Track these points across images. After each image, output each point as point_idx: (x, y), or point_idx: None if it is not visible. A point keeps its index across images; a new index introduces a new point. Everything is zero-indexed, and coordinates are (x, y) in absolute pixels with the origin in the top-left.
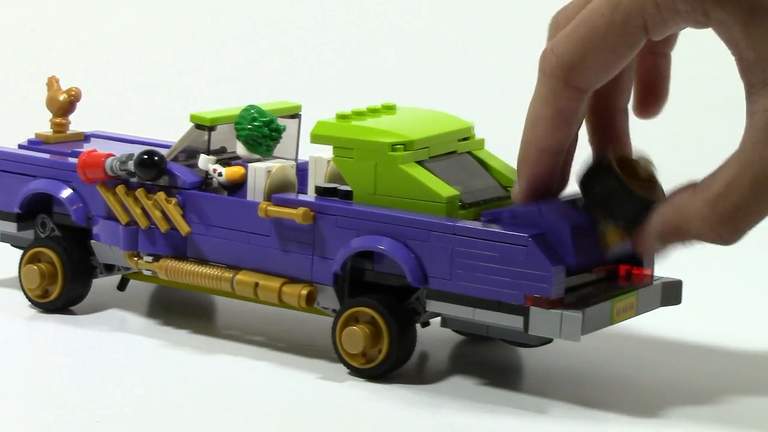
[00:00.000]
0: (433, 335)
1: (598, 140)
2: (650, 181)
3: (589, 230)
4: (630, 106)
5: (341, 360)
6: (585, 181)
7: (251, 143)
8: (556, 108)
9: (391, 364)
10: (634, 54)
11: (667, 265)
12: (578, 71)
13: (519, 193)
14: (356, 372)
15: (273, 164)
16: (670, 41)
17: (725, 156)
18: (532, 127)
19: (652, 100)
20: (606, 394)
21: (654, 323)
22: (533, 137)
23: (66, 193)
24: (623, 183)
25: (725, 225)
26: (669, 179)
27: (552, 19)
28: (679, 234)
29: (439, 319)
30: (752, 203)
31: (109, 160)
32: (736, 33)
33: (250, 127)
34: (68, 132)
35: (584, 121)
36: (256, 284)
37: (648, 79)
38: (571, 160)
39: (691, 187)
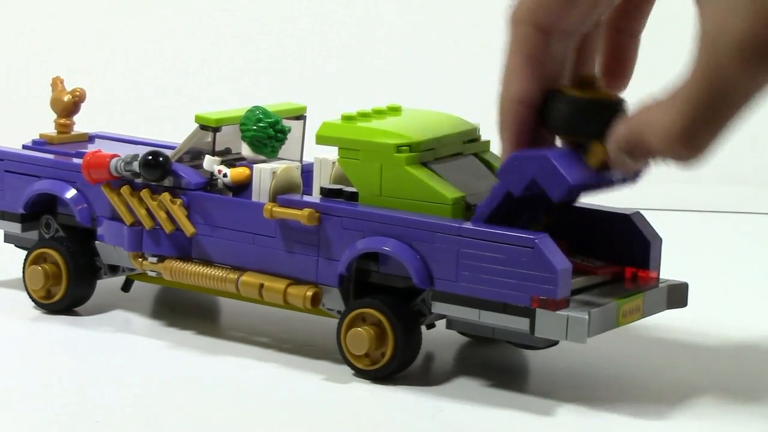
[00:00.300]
0: (439, 337)
1: None
2: (601, 88)
3: (572, 156)
4: None
5: (346, 361)
6: (546, 116)
7: (256, 144)
8: (526, 54)
9: (396, 366)
10: None
11: (673, 267)
12: (541, 8)
13: (502, 154)
14: (361, 373)
15: (278, 165)
16: (638, 18)
17: None
18: (506, 80)
19: (615, 76)
20: (612, 396)
21: (660, 325)
22: (507, 89)
23: (70, 193)
24: (579, 96)
25: (685, 141)
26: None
27: None
28: (642, 148)
29: (444, 320)
30: (710, 116)
31: (113, 161)
32: None
33: (255, 128)
34: (72, 133)
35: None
36: (261, 285)
37: (612, 56)
38: None
39: (656, 101)
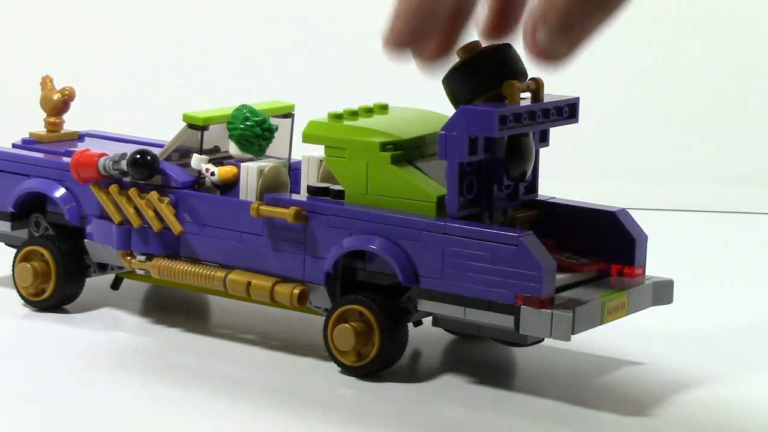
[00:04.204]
0: (425, 333)
1: None
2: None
3: (489, 103)
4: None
5: (332, 358)
6: (454, 96)
7: (243, 143)
8: None
9: (382, 363)
10: None
11: (660, 264)
12: None
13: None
14: (347, 370)
15: (265, 164)
16: None
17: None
18: None
19: (499, 24)
20: (597, 393)
21: (645, 322)
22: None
23: (59, 192)
24: (459, 61)
25: (556, 35)
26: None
27: None
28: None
29: (431, 317)
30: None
31: (101, 160)
32: None
33: (242, 126)
34: (62, 131)
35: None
36: (249, 283)
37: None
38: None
39: None
